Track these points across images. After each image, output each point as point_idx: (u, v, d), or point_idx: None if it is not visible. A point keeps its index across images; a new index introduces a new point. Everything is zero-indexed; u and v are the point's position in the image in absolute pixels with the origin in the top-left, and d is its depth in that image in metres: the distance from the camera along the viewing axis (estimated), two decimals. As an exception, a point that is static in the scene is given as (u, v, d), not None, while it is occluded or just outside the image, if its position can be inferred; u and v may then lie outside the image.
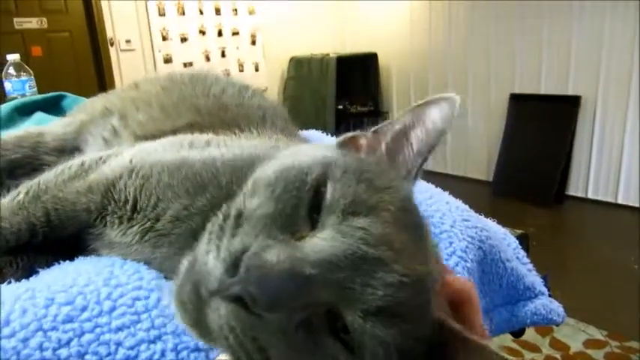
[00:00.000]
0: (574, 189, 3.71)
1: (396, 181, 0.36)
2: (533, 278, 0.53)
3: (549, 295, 0.55)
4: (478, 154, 4.22)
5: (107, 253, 0.46)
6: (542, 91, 3.76)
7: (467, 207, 0.58)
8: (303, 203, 0.32)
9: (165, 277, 0.43)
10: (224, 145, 0.51)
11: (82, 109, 0.81)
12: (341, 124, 4.52)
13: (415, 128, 0.42)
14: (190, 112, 0.63)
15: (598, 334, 2.17)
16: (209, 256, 0.30)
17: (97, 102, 0.77)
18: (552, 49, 3.65)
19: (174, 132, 0.58)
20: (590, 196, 3.65)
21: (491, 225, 0.59)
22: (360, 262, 0.29)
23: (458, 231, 0.49)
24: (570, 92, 3.60)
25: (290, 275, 0.27)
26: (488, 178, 4.10)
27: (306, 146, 0.41)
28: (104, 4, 3.92)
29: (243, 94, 0.69)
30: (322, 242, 0.30)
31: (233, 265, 0.28)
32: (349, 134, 0.42)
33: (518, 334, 0.52)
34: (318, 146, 0.41)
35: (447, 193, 0.60)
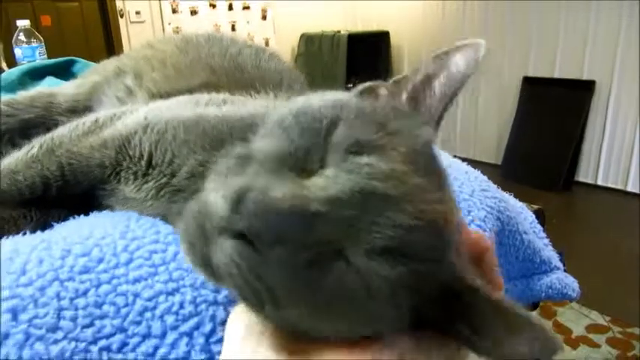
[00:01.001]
0: (583, 175, 3.68)
1: (412, 125, 0.34)
2: (550, 253, 0.53)
3: (564, 271, 0.54)
4: (488, 136, 4.19)
5: (122, 209, 0.46)
6: (557, 75, 3.70)
7: (485, 177, 0.57)
8: (313, 144, 0.31)
9: None
10: (241, 104, 0.50)
11: (93, 71, 0.81)
12: (350, 102, 4.48)
13: (438, 76, 0.40)
14: (205, 72, 0.62)
15: (601, 320, 2.17)
16: (213, 194, 0.29)
17: (109, 63, 0.76)
18: (569, 33, 3.58)
19: (189, 91, 0.57)
20: (599, 182, 3.62)
21: (508, 197, 0.58)
22: (368, 199, 0.29)
23: (477, 200, 0.48)
24: (585, 77, 3.55)
25: (294, 211, 0.27)
26: (497, 161, 4.07)
27: (321, 93, 0.38)
28: (114, -26, 3.87)
29: (260, 57, 0.68)
30: (328, 180, 0.29)
31: (237, 202, 0.27)
32: (368, 83, 0.40)
33: (531, 308, 0.52)
34: (334, 92, 0.38)
35: (465, 164, 0.59)
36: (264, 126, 0.34)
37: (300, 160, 0.31)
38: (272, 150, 0.31)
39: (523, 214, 0.53)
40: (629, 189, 3.48)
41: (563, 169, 3.60)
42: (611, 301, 2.31)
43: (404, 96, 0.40)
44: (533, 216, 0.54)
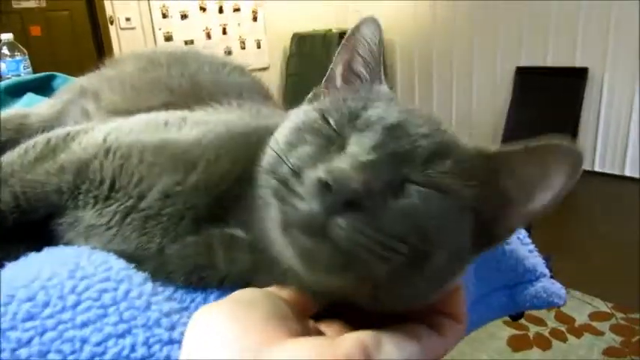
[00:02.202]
0: (581, 162, 3.68)
1: (380, 90, 0.42)
2: (535, 260, 0.51)
3: (551, 277, 0.53)
4: (483, 127, 4.17)
5: (84, 243, 0.43)
6: (549, 64, 3.69)
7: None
8: (327, 137, 0.37)
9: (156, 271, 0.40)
10: (203, 122, 0.48)
11: (68, 88, 0.79)
12: (344, 100, 4.47)
13: (354, 59, 0.45)
14: (164, 93, 0.61)
15: (603, 307, 2.17)
16: (294, 201, 0.33)
17: (79, 81, 0.75)
18: (560, 20, 3.56)
19: (148, 111, 0.55)
20: (597, 168, 3.61)
21: None
22: (395, 132, 0.36)
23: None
24: (577, 64, 3.53)
25: (366, 165, 0.33)
26: (494, 152, 4.06)
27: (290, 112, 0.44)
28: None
29: (220, 71, 0.67)
30: (361, 139, 0.35)
31: (322, 189, 0.31)
32: (311, 93, 0.47)
33: (516, 317, 0.51)
34: (299, 109, 0.44)
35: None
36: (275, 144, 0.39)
37: (328, 149, 0.36)
38: (306, 151, 0.36)
39: None
40: (627, 173, 3.47)
41: (560, 157, 3.58)
42: (612, 287, 2.31)
43: (339, 87, 0.46)
44: None
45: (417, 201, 0.34)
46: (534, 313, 2.15)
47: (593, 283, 2.35)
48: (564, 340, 2.00)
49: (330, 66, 0.46)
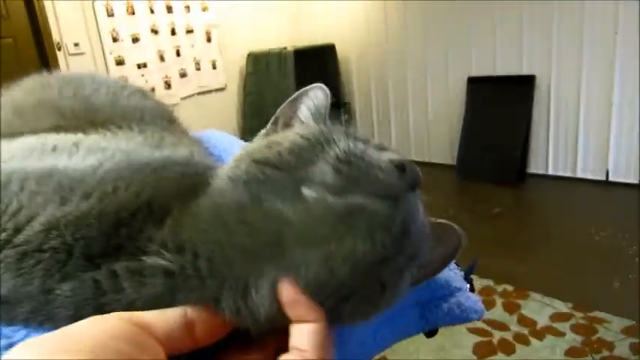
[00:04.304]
0: (535, 166, 3.78)
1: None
2: (448, 274, 0.47)
3: (471, 289, 0.51)
4: (440, 139, 4.25)
5: None
6: (498, 73, 3.80)
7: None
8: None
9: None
10: (99, 149, 0.43)
11: None
12: (303, 117, 4.47)
13: (296, 116, 0.45)
14: (53, 116, 0.55)
15: (563, 307, 2.21)
16: (374, 171, 0.35)
17: None
18: (505, 32, 3.69)
19: (34, 134, 0.50)
20: (550, 172, 3.72)
21: None
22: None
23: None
24: (525, 72, 3.65)
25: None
26: (452, 162, 4.13)
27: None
28: (48, 7, 3.75)
29: (118, 94, 0.62)
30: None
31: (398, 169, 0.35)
32: (262, 132, 0.46)
33: (430, 334, 0.49)
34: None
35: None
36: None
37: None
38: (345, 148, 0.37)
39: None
40: (579, 175, 3.59)
41: (515, 162, 3.68)
42: (571, 287, 2.35)
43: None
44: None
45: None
46: (498, 318, 2.17)
47: (551, 284, 2.39)
48: (527, 343, 2.02)
49: (274, 116, 0.46)
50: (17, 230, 0.36)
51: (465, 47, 3.92)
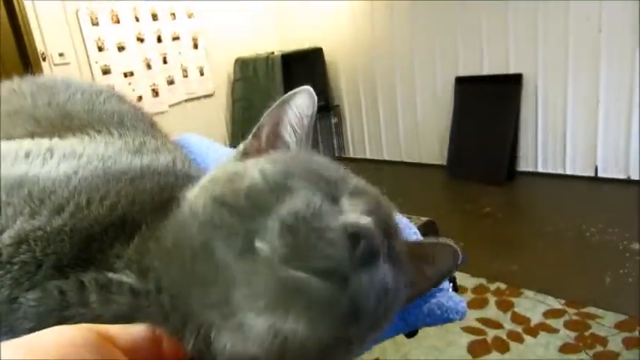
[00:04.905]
0: (524, 164, 3.80)
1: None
2: None
3: (455, 288, 0.49)
4: (430, 139, 4.26)
5: None
6: (486, 72, 3.82)
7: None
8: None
9: None
10: (74, 155, 0.42)
11: None
12: (292, 121, 4.46)
13: (282, 124, 0.45)
14: (28, 124, 0.54)
15: (556, 304, 2.21)
16: (320, 243, 0.31)
17: None
18: (491, 31, 3.71)
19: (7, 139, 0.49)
20: (539, 169, 3.74)
21: None
22: (378, 202, 0.39)
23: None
24: (512, 71, 3.67)
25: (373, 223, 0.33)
26: (442, 162, 4.14)
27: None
28: (31, 17, 3.71)
29: (94, 100, 0.61)
30: (353, 202, 0.36)
31: (351, 238, 0.31)
32: (242, 148, 0.45)
33: (410, 334, 0.47)
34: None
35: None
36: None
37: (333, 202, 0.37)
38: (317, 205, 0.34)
39: (405, 233, 0.47)
40: (568, 172, 3.61)
41: (504, 161, 3.69)
42: (563, 283, 2.36)
43: (263, 144, 0.44)
44: (418, 233, 0.49)
45: (390, 272, 0.34)
46: (492, 317, 2.17)
47: (544, 281, 2.40)
48: (521, 341, 2.01)
49: (257, 124, 0.45)
50: None
51: (452, 47, 3.94)
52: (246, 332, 0.31)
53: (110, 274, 0.35)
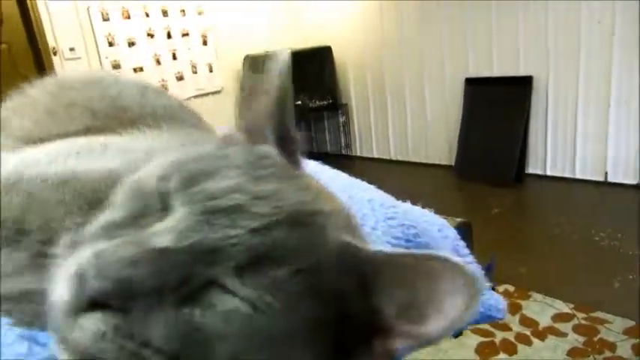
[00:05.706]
0: (533, 167, 3.78)
1: (244, 149, 0.35)
2: None
3: (493, 288, 0.50)
4: (438, 139, 4.25)
5: None
6: (496, 74, 3.80)
7: (394, 202, 0.53)
8: (147, 206, 0.31)
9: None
10: (128, 150, 0.44)
11: None
12: (301, 119, 4.47)
13: (254, 99, 0.43)
14: (84, 117, 0.55)
15: (565, 308, 2.20)
16: (55, 286, 0.28)
17: None
18: (502, 32, 3.69)
19: (67, 136, 0.50)
20: (548, 173, 3.72)
21: (424, 219, 0.53)
22: (216, 219, 0.28)
23: (380, 232, 0.44)
24: (522, 73, 3.65)
25: (137, 255, 0.26)
26: (450, 162, 4.13)
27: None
28: (43, 12, 3.73)
29: (144, 94, 0.62)
30: (169, 218, 0.29)
31: (77, 277, 0.26)
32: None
33: (456, 334, 0.48)
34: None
35: (372, 188, 0.54)
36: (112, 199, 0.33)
37: (140, 219, 0.30)
38: (108, 221, 0.30)
39: (443, 232, 0.48)
40: (578, 176, 3.59)
41: (513, 163, 3.68)
42: (572, 287, 2.35)
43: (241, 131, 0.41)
44: (455, 232, 0.50)
45: (216, 313, 0.27)
46: (499, 319, 2.17)
47: (552, 284, 2.39)
48: (529, 343, 2.01)
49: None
50: (45, 243, 0.36)
51: (462, 48, 3.92)
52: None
53: None
